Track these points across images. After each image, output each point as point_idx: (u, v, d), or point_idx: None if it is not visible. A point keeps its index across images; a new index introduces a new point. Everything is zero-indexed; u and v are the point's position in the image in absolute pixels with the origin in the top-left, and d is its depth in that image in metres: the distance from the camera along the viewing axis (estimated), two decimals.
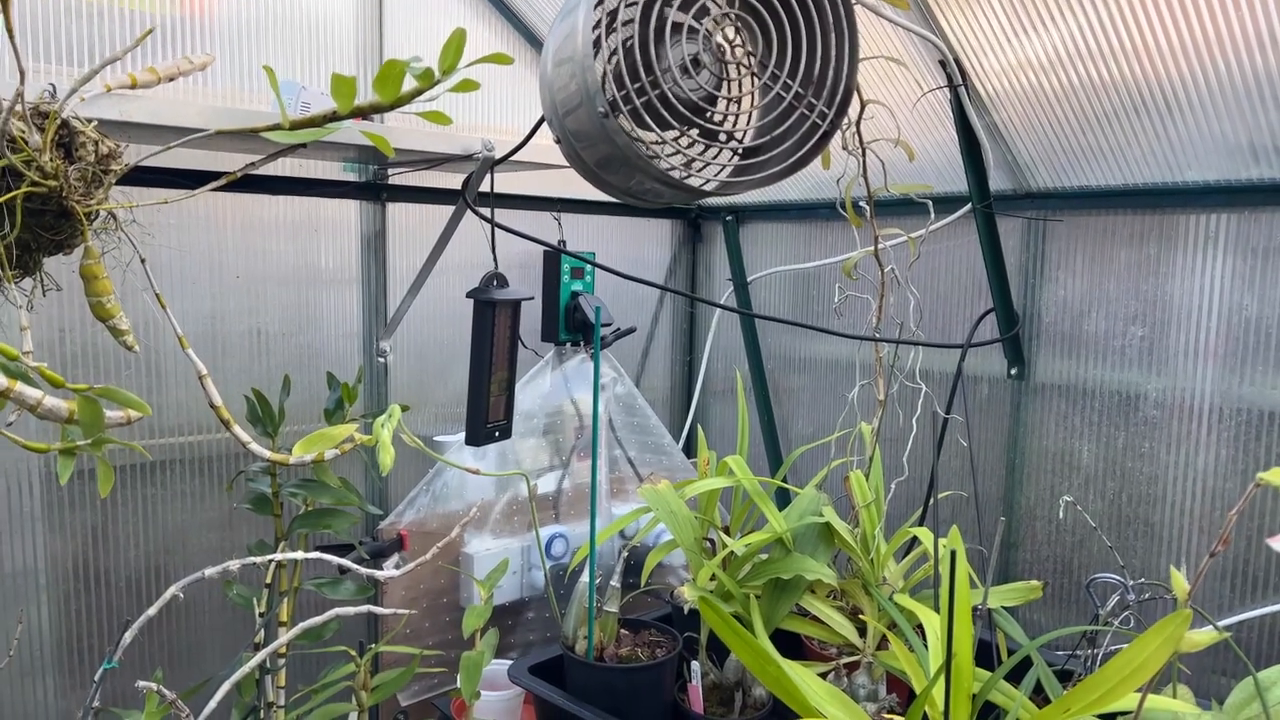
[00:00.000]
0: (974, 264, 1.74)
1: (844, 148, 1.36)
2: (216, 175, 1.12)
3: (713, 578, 1.42)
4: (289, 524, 1.39)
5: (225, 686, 0.90)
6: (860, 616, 1.41)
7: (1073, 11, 1.30)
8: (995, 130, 1.55)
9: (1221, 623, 1.43)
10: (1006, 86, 1.46)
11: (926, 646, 1.15)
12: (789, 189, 2.03)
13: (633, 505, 1.77)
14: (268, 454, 1.08)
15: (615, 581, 1.46)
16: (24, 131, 0.89)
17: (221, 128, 1.09)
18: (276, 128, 1.01)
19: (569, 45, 1.03)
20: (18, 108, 0.88)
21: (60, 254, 0.98)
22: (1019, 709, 1.03)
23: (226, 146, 1.32)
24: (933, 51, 1.45)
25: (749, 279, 2.20)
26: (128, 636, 0.95)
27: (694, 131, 1.09)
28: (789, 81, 1.10)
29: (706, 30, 1.08)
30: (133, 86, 1.04)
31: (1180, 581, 0.82)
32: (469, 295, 1.52)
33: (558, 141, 1.13)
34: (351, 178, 1.71)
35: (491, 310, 1.50)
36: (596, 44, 1.02)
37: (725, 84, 1.11)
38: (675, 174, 1.08)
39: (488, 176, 1.49)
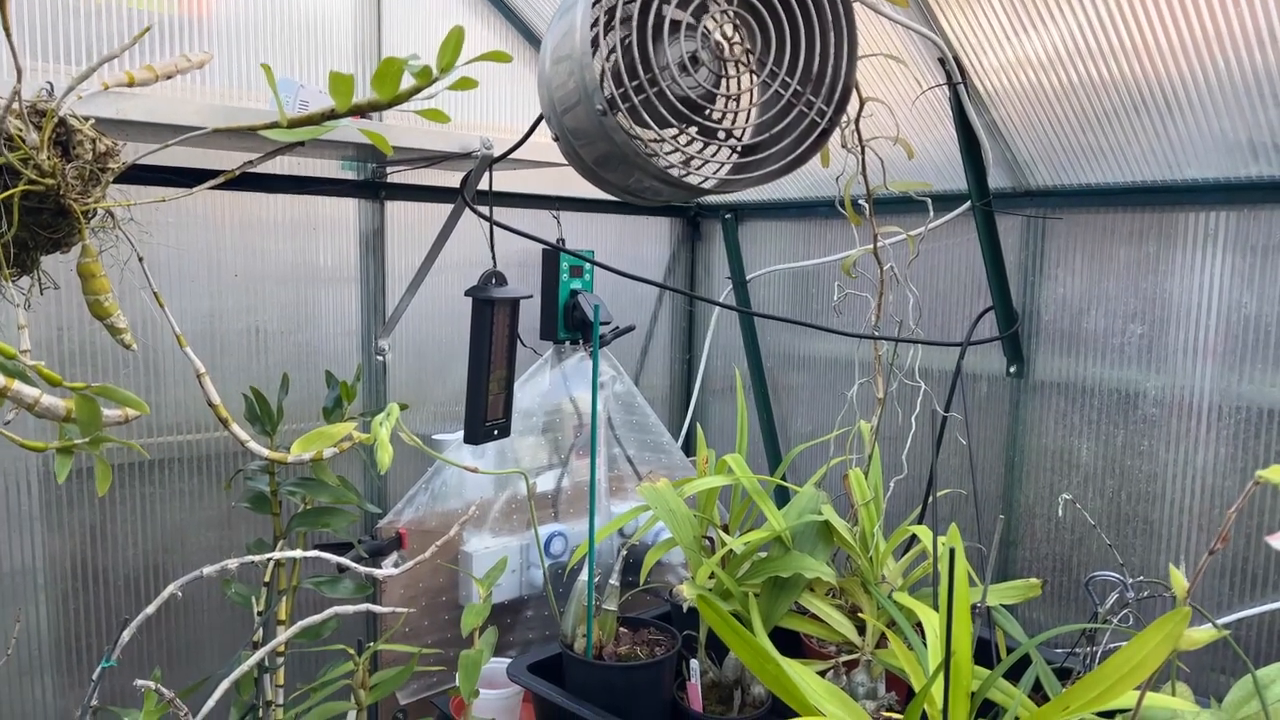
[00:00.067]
0: (973, 262, 1.74)
1: (843, 145, 1.36)
2: (214, 173, 1.12)
3: (711, 576, 1.42)
4: (287, 522, 1.39)
5: (224, 685, 0.90)
6: (859, 614, 1.41)
7: (1072, 9, 1.30)
8: (994, 128, 1.55)
9: (1220, 620, 1.42)
10: (1006, 84, 1.46)
11: (925, 644, 1.15)
12: (788, 187, 2.03)
13: (632, 503, 1.77)
14: (266, 452, 1.08)
15: (614, 580, 1.46)
16: (21, 129, 0.88)
17: (219, 126, 1.09)
18: (274, 126, 1.00)
19: (567, 43, 1.03)
20: (15, 106, 0.87)
21: (58, 252, 0.98)
22: (1018, 707, 1.03)
23: (224, 145, 1.31)
24: (932, 49, 1.45)
25: (748, 277, 2.20)
26: (126, 635, 0.95)
27: (692, 129, 1.09)
28: (788, 79, 1.10)
29: (705, 28, 1.08)
30: (130, 85, 1.04)
31: (1179, 579, 0.82)
32: (468, 293, 1.52)
33: (556, 139, 1.13)
34: (350, 176, 1.71)
35: (490, 308, 1.50)
36: (595, 41, 1.02)
37: (724, 81, 1.11)
38: (674, 172, 1.08)
39: (486, 174, 1.49)
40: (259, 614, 1.33)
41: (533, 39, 1.90)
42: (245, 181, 1.24)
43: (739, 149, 1.13)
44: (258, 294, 1.61)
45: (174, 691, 0.90)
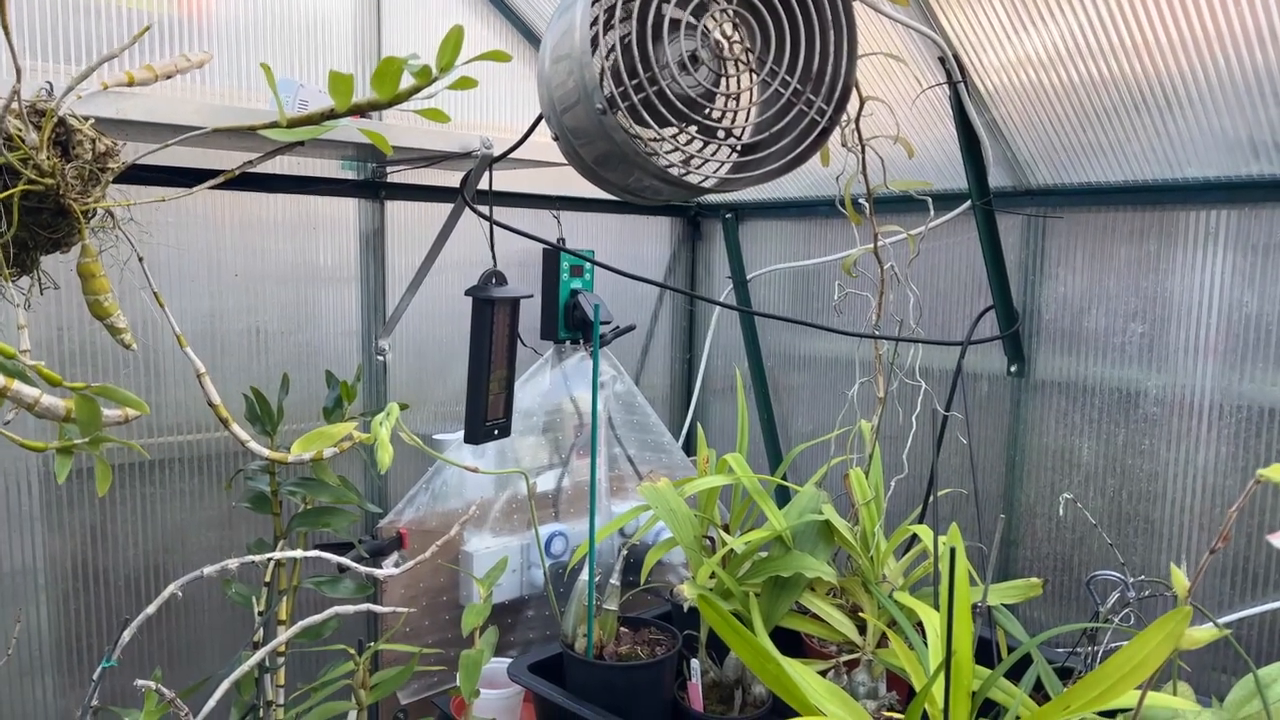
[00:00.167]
0: (974, 261, 1.74)
1: (843, 144, 1.36)
2: (214, 173, 1.12)
3: (712, 575, 1.41)
4: (288, 522, 1.39)
5: (224, 685, 0.90)
6: (860, 614, 1.41)
7: (1072, 7, 1.30)
8: (995, 127, 1.54)
9: (1222, 620, 1.42)
10: (1006, 83, 1.46)
11: (926, 644, 1.14)
12: (788, 186, 2.03)
13: (632, 503, 1.77)
14: (266, 452, 1.08)
15: (615, 579, 1.46)
16: (21, 129, 0.88)
17: (219, 125, 1.08)
18: (274, 125, 1.00)
19: (567, 41, 1.02)
20: (14, 105, 0.87)
21: (58, 252, 0.98)
22: (1019, 706, 1.03)
23: (224, 145, 1.31)
24: (932, 48, 1.45)
25: (748, 276, 2.20)
26: (126, 635, 0.95)
27: (692, 128, 1.09)
28: (787, 78, 1.10)
29: (705, 27, 1.08)
30: (130, 84, 1.04)
31: (1180, 578, 0.82)
32: (468, 293, 1.52)
33: (556, 138, 1.13)
34: (350, 176, 1.71)
35: (490, 308, 1.50)
36: (594, 40, 1.02)
37: (724, 80, 1.11)
38: (674, 171, 1.08)
39: (486, 174, 1.49)
40: (259, 614, 1.33)
41: (532, 38, 1.90)
42: (245, 181, 1.24)
43: (739, 148, 1.12)
44: (258, 294, 1.61)
45: (174, 691, 0.90)
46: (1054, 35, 1.35)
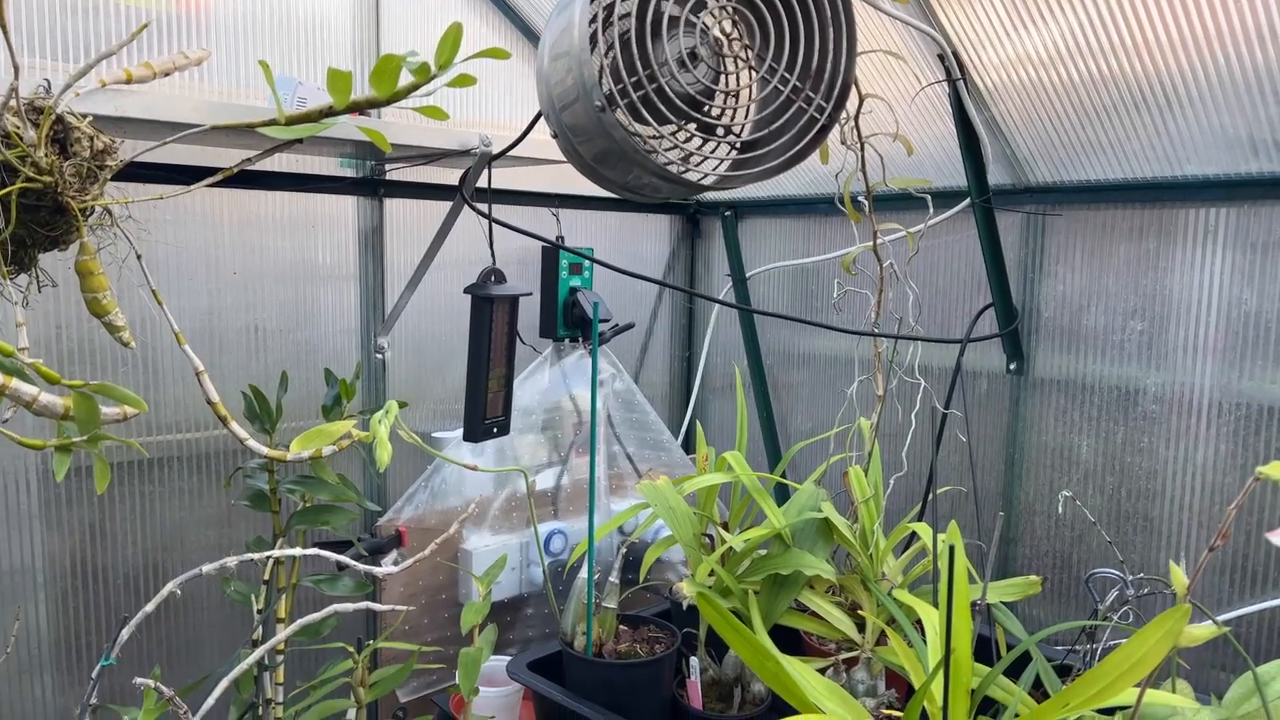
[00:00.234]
0: (973, 259, 1.74)
1: (842, 142, 1.36)
2: (213, 171, 1.11)
3: (711, 573, 1.41)
4: (287, 520, 1.39)
5: (223, 683, 0.90)
6: (859, 612, 1.41)
7: (1072, 6, 1.30)
8: (994, 125, 1.54)
9: (1221, 617, 1.43)
10: (1005, 81, 1.46)
11: (925, 642, 1.14)
12: (787, 184, 2.03)
13: (631, 501, 1.77)
14: (265, 450, 1.08)
15: (614, 577, 1.46)
16: (18, 127, 0.88)
17: (217, 123, 1.08)
18: (272, 123, 1.00)
19: (565, 39, 1.02)
20: (12, 102, 0.87)
21: (56, 250, 0.98)
22: (1018, 704, 1.03)
23: (222, 142, 1.31)
24: (931, 45, 1.44)
25: (748, 274, 2.19)
26: (125, 633, 0.95)
27: (691, 125, 1.09)
28: (786, 75, 1.10)
29: (704, 24, 1.07)
30: (128, 82, 1.04)
31: (1179, 576, 0.82)
32: (467, 291, 1.52)
33: (555, 136, 1.13)
34: (348, 173, 1.71)
35: (490, 306, 1.50)
36: (593, 38, 1.02)
37: (723, 78, 1.11)
38: (673, 168, 1.08)
39: (485, 172, 1.48)
40: (258, 612, 1.33)
41: (531, 36, 1.89)
42: (243, 179, 1.24)
43: (738, 145, 1.12)
44: (256, 292, 1.61)
45: (173, 689, 0.90)
46: (1053, 33, 1.35)
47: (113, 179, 0.96)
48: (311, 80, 1.59)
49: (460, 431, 1.59)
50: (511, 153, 1.43)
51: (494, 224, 1.45)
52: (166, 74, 1.08)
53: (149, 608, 0.94)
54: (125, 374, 1.47)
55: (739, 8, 1.10)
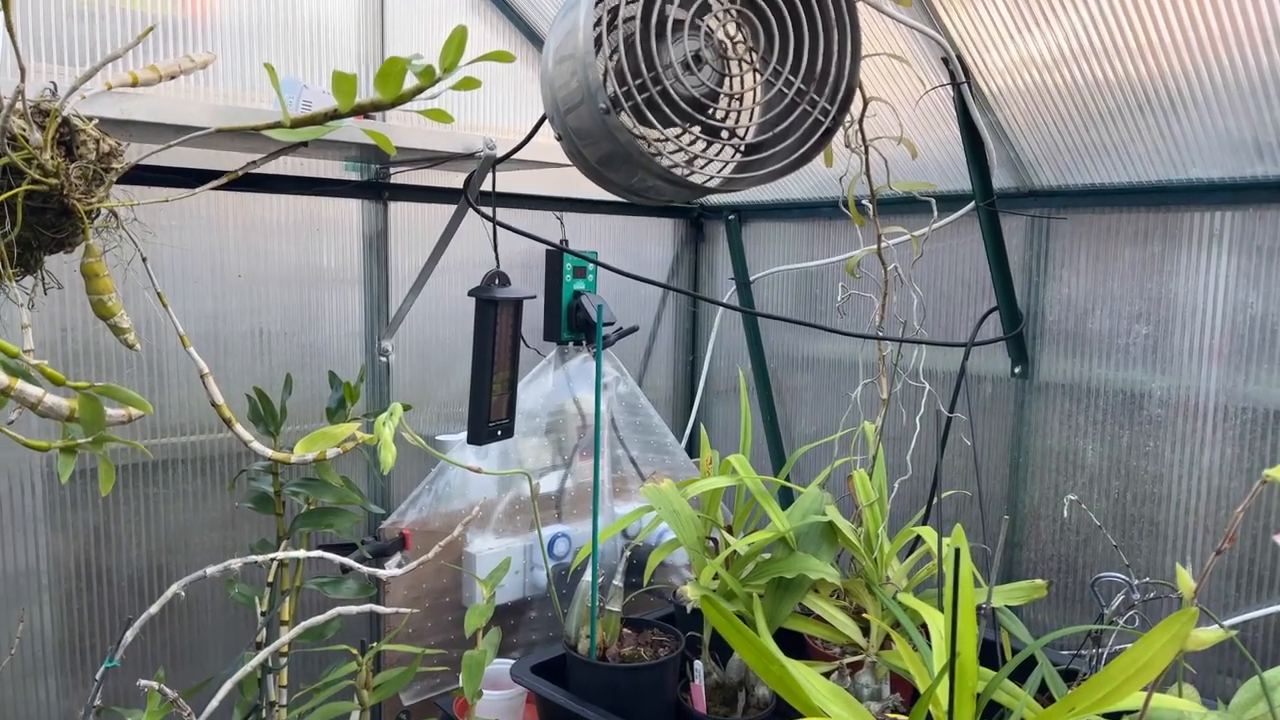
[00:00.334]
0: (977, 262, 1.74)
1: (846, 145, 1.36)
2: (218, 174, 1.12)
3: (716, 577, 1.41)
4: (291, 523, 1.39)
5: (227, 685, 0.90)
6: (864, 616, 1.41)
7: (1076, 8, 1.29)
8: (998, 128, 1.54)
9: (1227, 622, 1.42)
10: (1010, 84, 1.46)
11: (930, 646, 1.14)
12: (791, 187, 2.03)
13: (635, 504, 1.77)
14: (270, 453, 1.08)
15: (618, 581, 1.46)
16: (25, 129, 0.88)
17: (222, 126, 1.09)
18: (278, 126, 1.00)
19: (570, 42, 1.02)
20: (19, 105, 0.87)
21: (61, 252, 0.98)
22: (1023, 708, 1.03)
23: (228, 145, 1.31)
24: (935, 49, 1.44)
25: (752, 278, 2.19)
26: (129, 635, 0.95)
27: (696, 128, 1.09)
28: (791, 78, 1.10)
29: (708, 27, 1.07)
30: (134, 85, 1.04)
31: (1185, 580, 0.81)
32: (471, 294, 1.52)
33: (559, 139, 1.13)
34: (353, 177, 1.71)
35: (494, 309, 1.50)
36: (598, 41, 1.02)
37: (727, 80, 1.11)
38: (677, 171, 1.08)
39: (489, 175, 1.49)
40: (262, 614, 1.33)
41: (535, 39, 1.90)
42: (249, 182, 1.24)
43: (742, 148, 1.12)
44: (261, 295, 1.61)
45: (177, 692, 0.90)
46: (1058, 36, 1.35)
47: (118, 181, 0.97)
48: (316, 84, 1.59)
49: (464, 434, 1.59)
50: (516, 156, 1.43)
51: (498, 227, 1.45)
52: (172, 77, 1.09)
53: (153, 610, 0.94)
54: (130, 376, 1.47)
55: (743, 11, 1.10)
